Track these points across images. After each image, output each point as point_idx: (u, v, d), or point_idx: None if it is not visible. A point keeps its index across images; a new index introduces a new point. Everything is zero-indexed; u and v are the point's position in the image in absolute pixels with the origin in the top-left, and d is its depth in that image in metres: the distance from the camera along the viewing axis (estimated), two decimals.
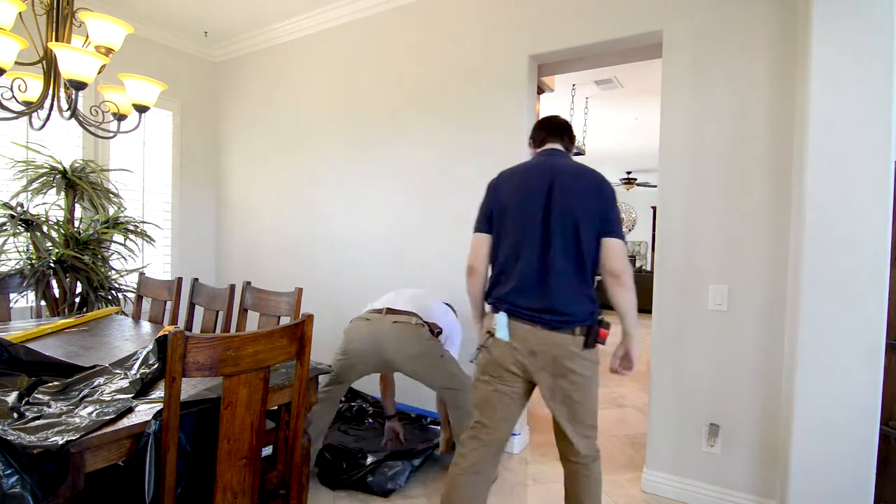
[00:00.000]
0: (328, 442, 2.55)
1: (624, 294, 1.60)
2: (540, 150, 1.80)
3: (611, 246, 1.58)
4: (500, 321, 1.60)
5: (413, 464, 2.39)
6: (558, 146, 1.79)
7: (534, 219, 1.60)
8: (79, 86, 1.72)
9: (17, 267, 2.75)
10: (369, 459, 2.39)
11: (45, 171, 2.92)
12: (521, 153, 2.74)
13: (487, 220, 1.71)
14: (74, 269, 2.82)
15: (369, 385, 3.39)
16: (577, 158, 7.52)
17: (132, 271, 3.27)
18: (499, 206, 1.68)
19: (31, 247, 2.82)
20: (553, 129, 1.81)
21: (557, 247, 1.57)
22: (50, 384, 1.39)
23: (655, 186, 6.83)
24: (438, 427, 2.83)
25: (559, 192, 1.59)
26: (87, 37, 1.88)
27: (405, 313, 2.27)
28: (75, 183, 2.97)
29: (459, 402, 2.20)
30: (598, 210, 1.58)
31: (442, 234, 3.05)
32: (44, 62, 1.85)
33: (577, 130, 6.41)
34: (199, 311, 2.61)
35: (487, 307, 1.74)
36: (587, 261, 1.59)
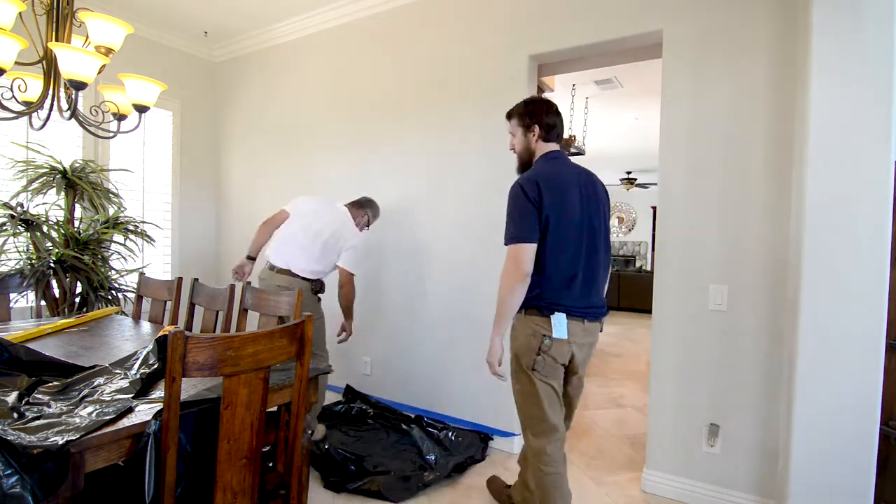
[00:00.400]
0: (330, 445, 2.55)
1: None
2: (549, 147, 1.82)
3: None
4: (559, 321, 1.68)
5: (424, 479, 2.37)
6: (558, 146, 1.85)
7: (579, 228, 1.72)
8: (79, 86, 1.72)
9: (17, 267, 2.75)
10: (375, 468, 2.40)
11: (45, 171, 2.92)
12: None
13: (537, 230, 1.67)
14: (74, 269, 2.82)
15: (367, 385, 3.39)
16: (576, 158, 7.51)
17: (132, 271, 3.27)
18: (546, 216, 1.67)
19: (31, 247, 2.82)
20: (561, 126, 1.85)
21: (600, 250, 1.78)
22: (50, 384, 1.39)
23: (655, 186, 6.84)
24: (455, 437, 2.80)
25: (591, 201, 1.77)
26: (87, 37, 1.88)
27: (287, 273, 2.61)
28: (75, 183, 2.97)
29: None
30: (607, 214, 1.86)
31: (441, 235, 3.05)
32: (44, 62, 1.85)
33: (578, 130, 6.41)
34: (199, 311, 2.61)
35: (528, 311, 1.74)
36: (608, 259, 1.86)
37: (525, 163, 1.87)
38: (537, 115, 1.80)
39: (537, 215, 1.66)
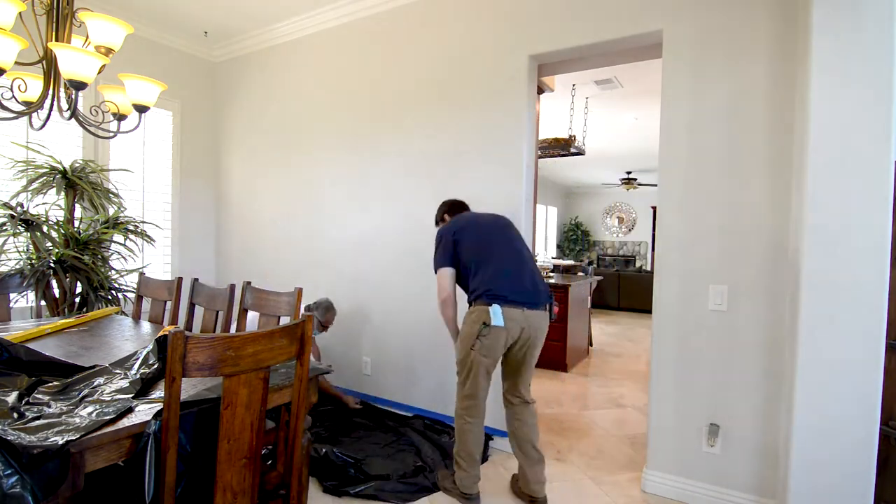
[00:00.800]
0: (328, 448, 2.54)
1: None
2: (455, 214, 2.48)
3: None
4: (496, 311, 2.07)
5: (424, 481, 2.37)
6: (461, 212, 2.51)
7: (499, 243, 2.25)
8: (79, 86, 1.72)
9: (17, 267, 2.75)
10: (374, 471, 2.40)
11: (45, 171, 2.92)
12: (520, 153, 2.75)
13: (451, 259, 2.25)
14: (74, 269, 2.82)
15: (367, 385, 3.39)
16: (577, 158, 7.42)
17: (132, 271, 3.27)
18: (466, 246, 2.23)
19: (31, 247, 2.82)
20: (460, 207, 2.54)
21: (524, 254, 2.28)
22: (50, 384, 1.39)
23: (655, 186, 6.84)
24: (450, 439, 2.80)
25: (495, 224, 2.33)
26: (87, 37, 1.88)
27: None
28: (75, 183, 2.97)
29: None
30: (512, 227, 2.39)
31: None
32: (44, 62, 1.85)
33: (578, 130, 6.41)
34: (199, 311, 2.61)
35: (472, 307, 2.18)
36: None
37: None
38: (440, 212, 2.56)
39: (453, 250, 2.24)
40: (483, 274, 2.15)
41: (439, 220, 2.58)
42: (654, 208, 11.01)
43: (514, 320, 2.08)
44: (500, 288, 2.11)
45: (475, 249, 2.21)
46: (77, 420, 1.16)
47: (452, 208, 2.55)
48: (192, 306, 2.58)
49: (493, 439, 2.81)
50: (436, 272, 2.28)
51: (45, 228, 2.87)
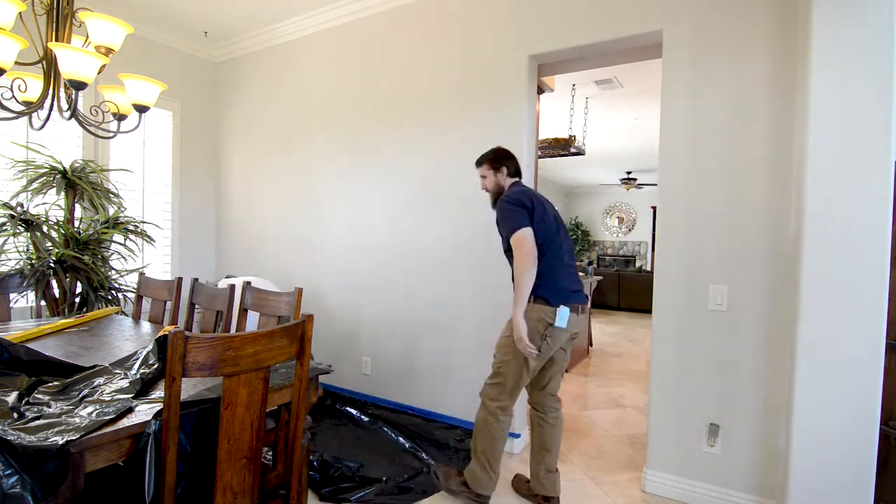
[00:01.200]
0: (325, 453, 2.53)
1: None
2: (515, 179, 2.29)
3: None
4: (563, 313, 2.03)
5: (424, 483, 2.36)
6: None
7: (557, 233, 2.14)
8: (79, 86, 1.72)
9: (17, 267, 2.75)
10: (373, 475, 2.39)
11: (45, 171, 2.92)
12: (520, 152, 2.74)
13: (529, 220, 2.05)
14: (74, 269, 2.82)
15: (367, 385, 3.39)
16: (577, 158, 7.42)
17: (132, 271, 3.28)
18: (537, 226, 2.07)
19: (31, 247, 2.82)
20: (516, 163, 2.32)
21: (572, 252, 2.21)
22: (50, 384, 1.39)
23: (655, 186, 6.83)
24: (455, 438, 2.80)
25: (557, 215, 2.23)
26: (87, 37, 1.88)
27: None
28: (75, 183, 2.97)
29: None
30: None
31: (441, 235, 3.05)
32: (44, 62, 1.85)
33: (578, 130, 6.41)
34: (199, 311, 2.61)
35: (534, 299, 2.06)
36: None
37: (497, 196, 2.28)
38: (503, 163, 2.28)
39: (528, 214, 2.05)
40: (551, 268, 2.05)
41: (496, 167, 2.26)
42: (654, 208, 11.02)
43: (572, 323, 2.08)
44: (567, 287, 2.07)
45: (544, 234, 2.07)
46: (77, 420, 1.16)
47: (512, 161, 2.29)
48: (192, 306, 2.58)
49: None
50: (512, 234, 2.01)
51: (45, 228, 2.87)
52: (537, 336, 2.02)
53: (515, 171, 2.30)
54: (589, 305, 5.28)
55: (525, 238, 1.99)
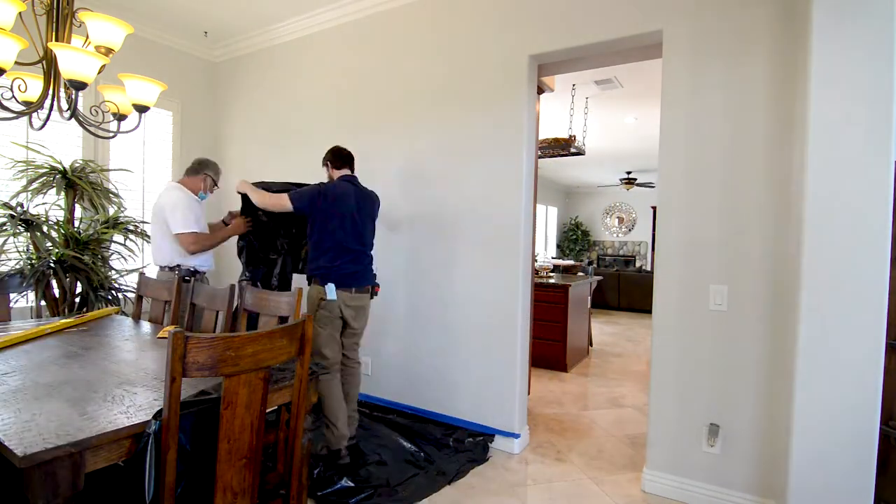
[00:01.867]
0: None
1: None
2: (340, 173, 2.64)
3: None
4: (331, 288, 2.44)
5: (424, 485, 2.34)
6: (350, 172, 2.68)
7: (351, 224, 2.52)
8: (79, 86, 1.72)
9: (17, 267, 2.75)
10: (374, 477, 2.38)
11: (45, 171, 2.92)
12: (520, 153, 2.75)
13: (309, 205, 2.48)
14: (74, 269, 2.82)
15: (368, 386, 3.39)
16: (576, 158, 7.41)
17: (132, 271, 3.28)
18: (324, 210, 2.47)
19: (31, 247, 2.82)
20: (347, 159, 2.69)
21: (367, 239, 2.63)
22: None
23: (654, 186, 6.83)
24: (456, 438, 2.80)
25: (361, 210, 2.58)
26: (87, 37, 1.88)
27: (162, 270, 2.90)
28: (75, 183, 2.97)
29: None
30: (375, 217, 2.73)
31: (441, 236, 3.05)
32: (44, 62, 1.85)
33: (577, 130, 6.41)
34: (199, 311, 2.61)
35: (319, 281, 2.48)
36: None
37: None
38: (328, 159, 2.70)
39: (314, 201, 2.47)
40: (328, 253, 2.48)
41: (325, 163, 2.71)
42: (654, 208, 11.01)
43: (342, 297, 2.47)
44: (340, 270, 2.49)
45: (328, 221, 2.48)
46: None
47: (338, 157, 2.67)
48: (192, 306, 2.58)
49: (494, 439, 2.81)
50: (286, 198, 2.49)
51: (45, 228, 2.87)
52: (314, 307, 2.47)
53: (338, 166, 2.67)
54: (589, 305, 5.28)
55: (278, 200, 2.51)
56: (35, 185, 2.87)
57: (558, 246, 13.35)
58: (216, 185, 3.02)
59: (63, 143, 3.36)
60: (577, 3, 2.56)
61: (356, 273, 2.53)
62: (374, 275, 2.68)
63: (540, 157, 5.22)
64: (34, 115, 1.88)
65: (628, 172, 10.28)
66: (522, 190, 2.75)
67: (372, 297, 2.66)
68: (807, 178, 1.83)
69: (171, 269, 2.81)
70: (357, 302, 2.55)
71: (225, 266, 4.40)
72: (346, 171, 2.66)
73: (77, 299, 2.93)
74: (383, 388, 3.32)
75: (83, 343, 1.97)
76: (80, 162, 3.13)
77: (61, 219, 2.99)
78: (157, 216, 2.78)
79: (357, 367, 2.73)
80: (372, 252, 2.68)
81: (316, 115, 3.70)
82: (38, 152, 2.96)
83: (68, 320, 2.29)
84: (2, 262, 2.77)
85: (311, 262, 2.54)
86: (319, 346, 2.48)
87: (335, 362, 2.54)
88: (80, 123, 2.01)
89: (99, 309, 2.81)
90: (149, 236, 3.31)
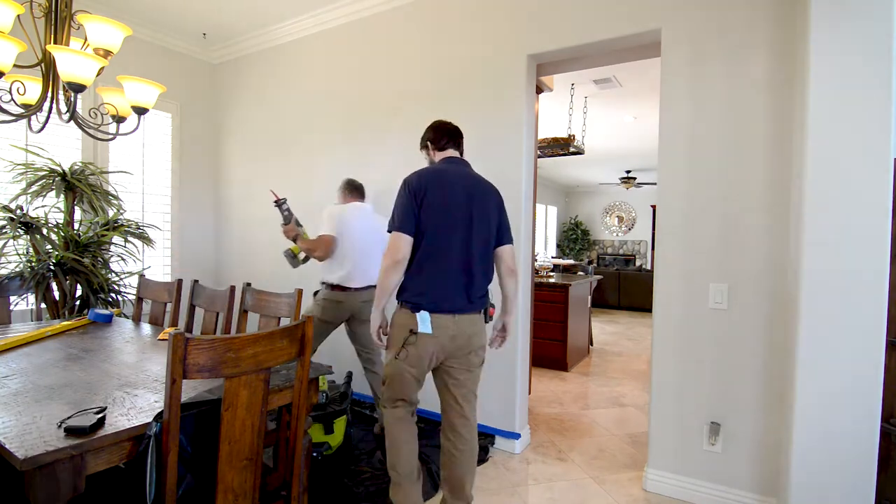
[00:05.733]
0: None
1: (516, 284, 2.04)
2: (442, 155, 2.04)
3: (510, 250, 2.00)
4: (424, 318, 1.81)
5: (424, 485, 2.30)
6: (457, 153, 2.07)
7: (458, 229, 1.86)
8: (78, 88, 1.72)
9: (17, 270, 2.75)
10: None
11: (44, 173, 2.92)
12: (519, 152, 2.75)
13: (414, 224, 1.83)
14: (74, 271, 2.82)
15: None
16: (576, 158, 7.39)
17: (132, 274, 3.28)
18: (427, 214, 1.83)
19: (30, 249, 2.82)
20: (453, 136, 2.06)
21: (476, 254, 1.88)
22: None
23: (655, 184, 6.81)
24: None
25: (477, 208, 1.89)
26: (86, 39, 1.88)
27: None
28: (75, 185, 2.97)
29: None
30: (501, 223, 1.98)
31: None
32: (42, 65, 1.85)
33: (577, 130, 6.41)
34: (199, 313, 2.61)
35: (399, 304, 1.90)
36: (491, 263, 1.97)
37: None
38: (428, 139, 2.08)
39: (414, 210, 1.83)
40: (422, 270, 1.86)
41: (422, 145, 2.13)
42: (653, 207, 11.01)
43: (440, 326, 1.82)
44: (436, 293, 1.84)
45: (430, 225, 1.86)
46: None
47: (436, 133, 2.07)
48: (192, 308, 2.58)
49: (494, 439, 2.81)
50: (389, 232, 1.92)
51: (44, 231, 2.87)
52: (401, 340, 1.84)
53: (442, 146, 2.05)
54: (590, 305, 5.28)
55: (399, 243, 1.81)
56: (35, 187, 2.87)
57: (558, 245, 13.35)
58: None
59: (62, 145, 3.36)
60: (576, 3, 2.56)
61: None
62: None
63: (539, 156, 5.22)
64: (33, 117, 1.88)
65: (628, 171, 10.28)
66: (522, 189, 2.75)
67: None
68: (806, 176, 1.83)
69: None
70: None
71: (225, 267, 4.39)
72: (450, 153, 2.05)
73: (77, 302, 2.93)
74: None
75: (84, 345, 1.97)
76: (80, 164, 3.13)
77: (61, 221, 2.99)
78: (375, 234, 2.79)
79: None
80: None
81: (315, 116, 3.70)
82: (38, 155, 2.96)
83: (53, 326, 2.19)
84: (2, 265, 2.77)
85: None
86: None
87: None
88: (80, 126, 2.01)
89: (99, 310, 2.80)
90: (148, 237, 3.31)
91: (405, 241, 1.81)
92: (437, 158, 2.05)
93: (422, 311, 1.81)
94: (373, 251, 2.77)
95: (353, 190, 2.95)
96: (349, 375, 2.85)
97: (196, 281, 2.65)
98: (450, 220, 1.84)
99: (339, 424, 2.59)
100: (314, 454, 2.45)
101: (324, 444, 2.51)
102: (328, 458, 2.53)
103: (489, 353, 2.85)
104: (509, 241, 2.00)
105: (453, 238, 1.84)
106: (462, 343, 1.87)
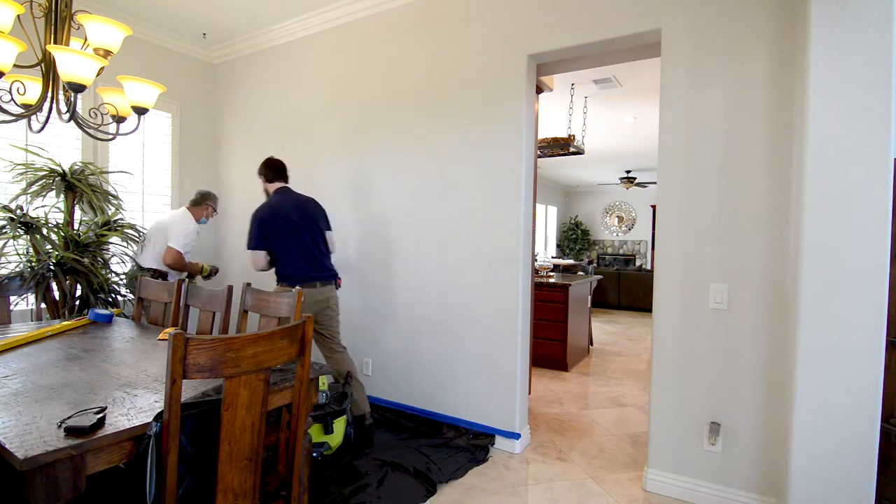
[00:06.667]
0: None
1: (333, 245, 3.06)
2: (273, 186, 2.92)
3: (330, 235, 3.01)
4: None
5: (425, 486, 2.33)
6: (286, 184, 2.96)
7: (300, 230, 2.81)
8: (78, 88, 1.72)
9: (17, 270, 2.75)
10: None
11: (44, 173, 2.92)
12: (519, 152, 2.75)
13: (263, 241, 2.77)
14: (74, 271, 2.82)
15: (369, 386, 3.39)
16: (576, 157, 7.37)
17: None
18: (276, 232, 2.76)
19: (30, 249, 2.82)
20: (279, 171, 2.94)
21: (319, 241, 2.89)
22: None
23: (655, 184, 6.80)
24: (456, 438, 2.82)
25: (304, 218, 2.83)
26: (86, 39, 1.88)
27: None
28: (75, 185, 2.97)
29: None
30: (320, 219, 2.94)
31: (441, 236, 3.05)
32: (42, 64, 1.85)
33: (577, 130, 6.41)
34: (193, 312, 2.61)
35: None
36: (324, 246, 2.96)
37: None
38: (261, 173, 2.95)
39: (266, 232, 2.76)
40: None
41: (260, 176, 2.96)
42: (653, 207, 11.01)
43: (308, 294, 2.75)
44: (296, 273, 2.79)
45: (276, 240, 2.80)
46: None
47: (270, 169, 2.92)
48: (186, 308, 2.57)
49: (494, 439, 2.81)
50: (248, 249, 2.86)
51: (44, 231, 2.87)
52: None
53: (271, 178, 2.92)
54: (590, 304, 5.27)
55: (254, 258, 2.81)
56: (34, 187, 2.87)
57: (558, 245, 13.35)
58: (215, 211, 3.62)
59: (62, 145, 3.36)
60: (576, 3, 2.56)
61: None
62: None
63: (539, 156, 5.22)
64: (33, 117, 1.88)
65: (628, 171, 10.28)
66: (522, 189, 2.75)
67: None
68: (806, 175, 1.83)
69: (150, 271, 3.23)
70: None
71: (225, 267, 4.40)
72: (279, 184, 2.92)
73: (77, 302, 2.93)
74: (383, 388, 3.32)
75: (84, 345, 1.97)
76: (80, 164, 3.13)
77: (61, 221, 2.99)
78: (161, 228, 3.26)
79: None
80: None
81: (315, 117, 3.70)
82: (38, 155, 2.96)
83: (53, 326, 2.20)
84: (2, 265, 2.77)
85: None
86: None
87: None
88: (80, 126, 2.01)
89: (99, 310, 2.80)
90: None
91: (261, 255, 2.80)
92: (272, 189, 2.92)
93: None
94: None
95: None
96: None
97: (192, 281, 2.64)
98: (291, 230, 2.77)
99: (339, 424, 2.59)
100: (314, 454, 2.45)
101: (323, 444, 2.51)
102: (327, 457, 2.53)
103: (489, 353, 2.86)
104: (328, 228, 2.97)
105: (296, 239, 2.79)
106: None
